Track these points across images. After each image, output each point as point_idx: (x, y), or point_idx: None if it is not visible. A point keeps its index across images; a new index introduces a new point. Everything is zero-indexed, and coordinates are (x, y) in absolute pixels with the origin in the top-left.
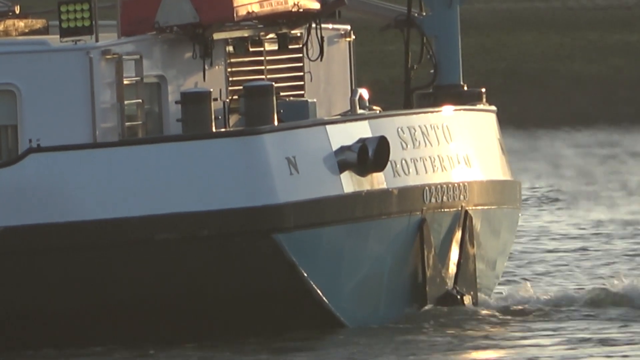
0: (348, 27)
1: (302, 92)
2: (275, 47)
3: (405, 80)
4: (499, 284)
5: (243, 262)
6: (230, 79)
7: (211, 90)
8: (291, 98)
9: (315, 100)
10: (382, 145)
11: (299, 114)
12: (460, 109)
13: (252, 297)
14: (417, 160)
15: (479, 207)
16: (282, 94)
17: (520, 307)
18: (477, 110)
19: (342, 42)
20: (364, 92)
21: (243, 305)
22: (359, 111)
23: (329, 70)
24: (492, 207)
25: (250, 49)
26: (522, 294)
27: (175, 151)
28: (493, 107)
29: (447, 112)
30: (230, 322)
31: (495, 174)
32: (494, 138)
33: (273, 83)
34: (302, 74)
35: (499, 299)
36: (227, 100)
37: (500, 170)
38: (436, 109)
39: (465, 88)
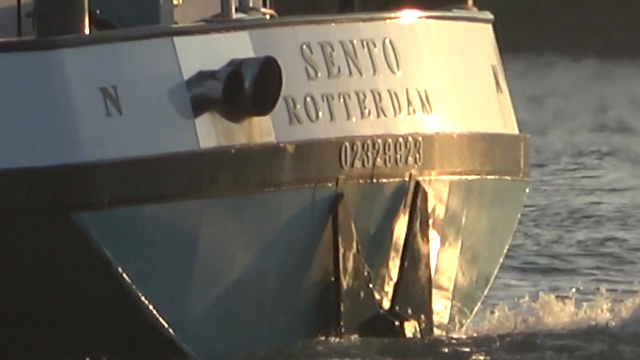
0: None
1: None
2: None
3: None
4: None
5: (25, 253)
6: None
7: None
8: None
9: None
10: (268, 71)
11: (143, 19)
12: (423, 16)
13: (40, 307)
14: (332, 98)
15: (445, 177)
16: None
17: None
18: (453, 19)
19: None
20: None
21: (23, 319)
22: (236, 15)
23: None
24: (470, 176)
25: None
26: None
27: None
28: (487, 14)
29: (399, 20)
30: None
31: (480, 124)
32: (484, 64)
33: None
34: None
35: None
36: None
37: (493, 117)
38: (375, 14)
39: None
